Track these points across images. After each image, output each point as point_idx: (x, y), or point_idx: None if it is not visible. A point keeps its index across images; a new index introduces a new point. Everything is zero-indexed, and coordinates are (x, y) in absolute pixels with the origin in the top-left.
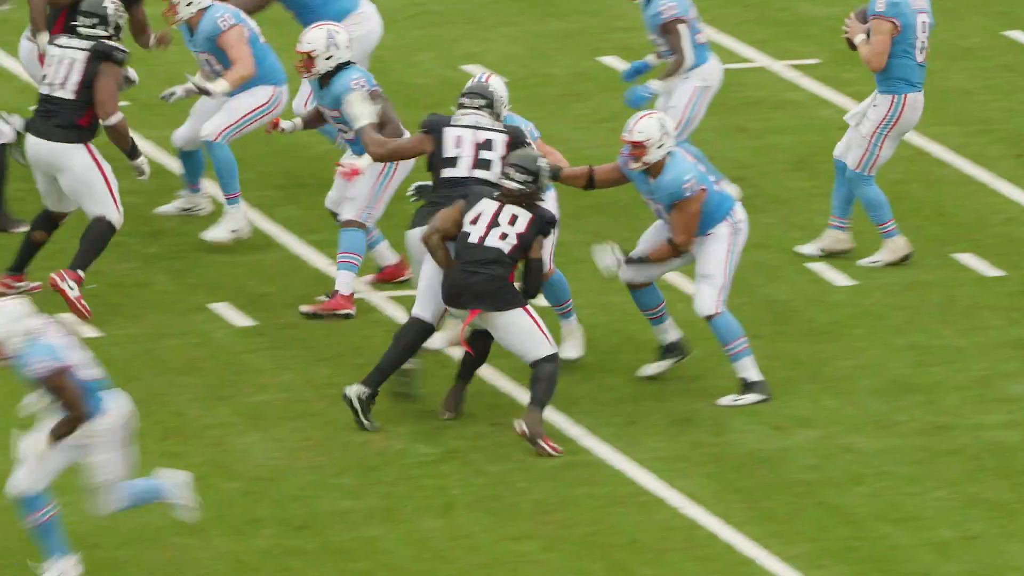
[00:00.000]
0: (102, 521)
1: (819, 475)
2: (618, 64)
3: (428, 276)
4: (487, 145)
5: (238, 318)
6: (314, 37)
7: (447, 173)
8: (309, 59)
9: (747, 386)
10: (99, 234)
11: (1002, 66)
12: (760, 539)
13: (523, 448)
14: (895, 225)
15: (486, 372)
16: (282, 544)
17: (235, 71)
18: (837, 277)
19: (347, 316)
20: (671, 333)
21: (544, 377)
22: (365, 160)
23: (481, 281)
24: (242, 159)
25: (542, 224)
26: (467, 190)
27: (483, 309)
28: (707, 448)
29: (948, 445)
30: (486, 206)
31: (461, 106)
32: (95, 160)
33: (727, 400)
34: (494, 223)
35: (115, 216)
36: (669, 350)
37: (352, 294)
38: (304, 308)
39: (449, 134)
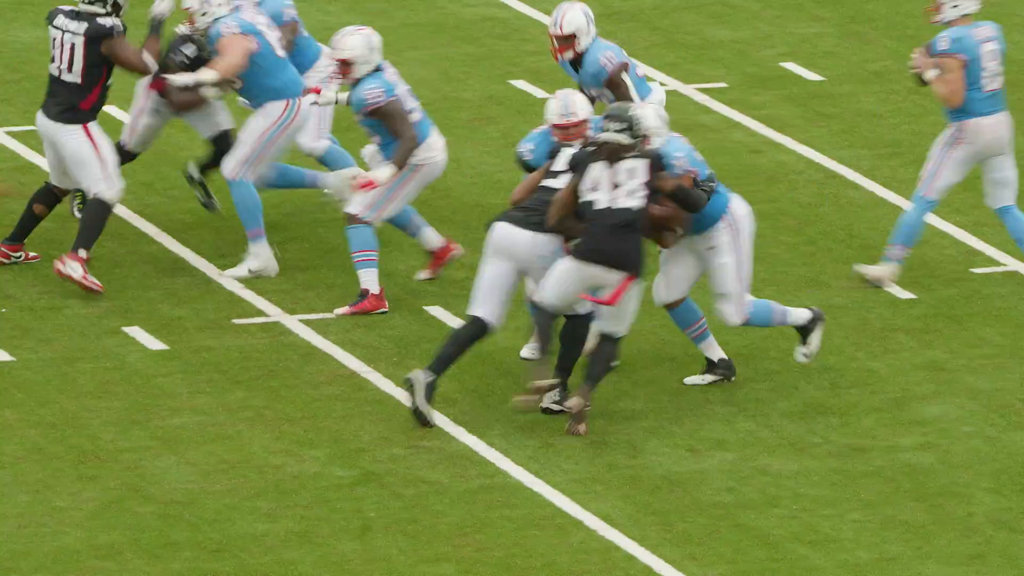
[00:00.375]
0: (18, 545)
1: (735, 497)
2: (528, 88)
3: (489, 276)
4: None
5: (151, 342)
6: (355, 44)
7: (546, 183)
8: (346, 65)
9: (803, 329)
10: (95, 214)
11: (912, 89)
12: (677, 561)
13: (439, 471)
14: (900, 256)
15: (403, 395)
16: (198, 567)
17: (216, 61)
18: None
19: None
20: (716, 350)
21: (603, 357)
22: (385, 172)
23: (630, 249)
24: (151, 183)
25: (658, 161)
26: (572, 158)
27: (634, 276)
28: (622, 470)
29: (864, 467)
30: (598, 171)
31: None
32: (91, 140)
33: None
34: (614, 184)
35: (108, 194)
36: (715, 366)
37: (382, 290)
38: (339, 310)
39: (565, 151)
